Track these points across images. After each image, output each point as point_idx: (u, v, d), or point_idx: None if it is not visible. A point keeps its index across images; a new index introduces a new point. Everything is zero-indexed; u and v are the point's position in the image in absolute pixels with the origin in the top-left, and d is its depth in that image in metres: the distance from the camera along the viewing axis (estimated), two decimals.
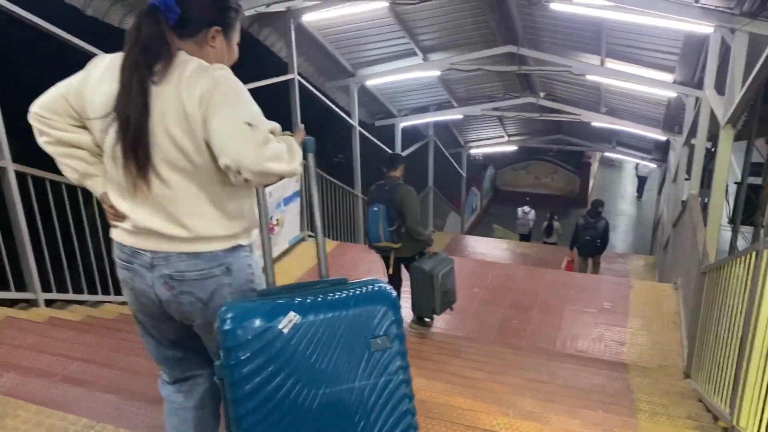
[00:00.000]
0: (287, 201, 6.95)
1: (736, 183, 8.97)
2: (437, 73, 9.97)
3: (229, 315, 1.61)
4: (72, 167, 1.79)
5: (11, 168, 4.30)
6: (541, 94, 11.91)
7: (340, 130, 10.61)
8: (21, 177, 4.42)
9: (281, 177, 1.64)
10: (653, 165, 16.17)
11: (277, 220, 6.83)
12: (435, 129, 14.31)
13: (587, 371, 4.71)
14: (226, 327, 1.59)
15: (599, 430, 2.98)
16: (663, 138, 11.34)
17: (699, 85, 7.68)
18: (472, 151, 17.27)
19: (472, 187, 18.81)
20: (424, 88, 11.54)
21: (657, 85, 8.55)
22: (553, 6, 5.86)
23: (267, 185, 1.78)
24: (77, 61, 1.88)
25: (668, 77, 8.32)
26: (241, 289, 1.80)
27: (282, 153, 1.61)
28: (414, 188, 5.32)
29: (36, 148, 1.81)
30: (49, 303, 4.70)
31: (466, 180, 17.18)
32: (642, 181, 20.92)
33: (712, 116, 6.15)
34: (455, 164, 16.48)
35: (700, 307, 4.66)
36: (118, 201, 1.74)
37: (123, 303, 5.29)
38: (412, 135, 13.61)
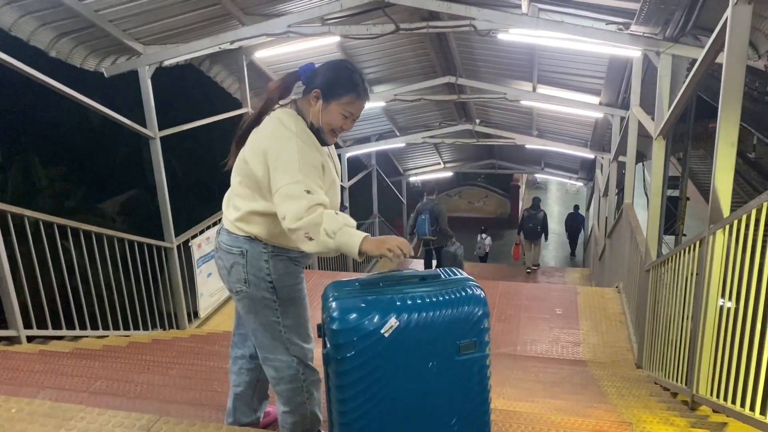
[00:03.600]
0: None
1: None
2: (382, 104, 10.40)
3: (336, 314, 1.81)
4: None
5: None
6: (477, 121, 12.54)
7: None
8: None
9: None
10: (580, 183, 17.12)
11: None
12: (376, 158, 14.71)
13: (553, 368, 5.11)
14: (335, 327, 1.80)
15: (581, 406, 3.34)
16: (591, 156, 12.12)
17: (623, 106, 8.42)
18: (411, 179, 17.80)
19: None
20: (368, 119, 11.93)
21: (585, 107, 9.24)
22: (501, 36, 6.35)
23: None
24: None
25: (595, 99, 9.02)
26: (257, 276, 2.13)
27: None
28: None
29: None
30: (29, 339, 4.70)
31: (406, 207, 17.64)
32: None
33: (639, 131, 6.79)
34: (396, 192, 16.96)
35: (647, 303, 5.14)
36: None
37: (101, 337, 5.32)
38: (355, 165, 13.97)
